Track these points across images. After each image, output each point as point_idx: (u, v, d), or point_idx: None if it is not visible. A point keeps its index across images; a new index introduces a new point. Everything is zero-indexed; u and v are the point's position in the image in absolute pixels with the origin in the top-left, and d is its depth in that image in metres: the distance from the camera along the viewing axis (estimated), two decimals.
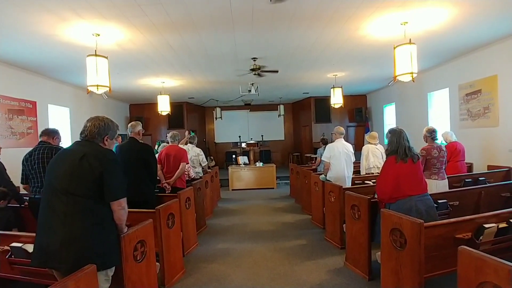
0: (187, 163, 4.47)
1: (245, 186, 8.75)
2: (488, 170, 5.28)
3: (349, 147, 4.70)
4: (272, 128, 13.38)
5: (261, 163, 9.02)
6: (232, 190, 8.72)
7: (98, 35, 4.42)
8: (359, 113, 11.31)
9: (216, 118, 11.70)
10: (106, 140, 2.02)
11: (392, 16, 4.26)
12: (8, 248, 2.42)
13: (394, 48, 4.62)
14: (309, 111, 11.92)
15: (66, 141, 7.13)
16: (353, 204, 3.23)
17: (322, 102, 11.58)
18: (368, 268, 3.04)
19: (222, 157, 13.22)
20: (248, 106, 12.48)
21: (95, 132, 1.96)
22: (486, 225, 2.34)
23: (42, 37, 4.41)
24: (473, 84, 6.35)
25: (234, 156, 9.65)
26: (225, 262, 3.64)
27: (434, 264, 2.27)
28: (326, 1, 3.74)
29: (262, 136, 12.21)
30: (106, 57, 4.51)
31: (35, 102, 6.28)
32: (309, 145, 12.00)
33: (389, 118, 10.25)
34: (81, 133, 1.99)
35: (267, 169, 8.89)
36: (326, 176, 4.69)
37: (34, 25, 4.01)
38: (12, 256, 2.40)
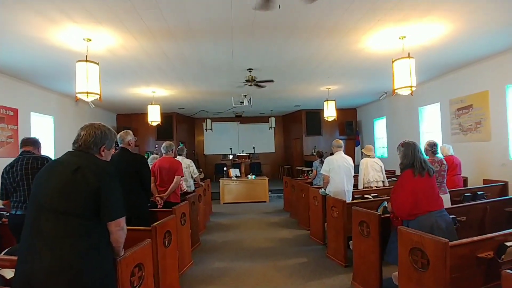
0: (182, 176, 4.22)
1: (237, 200, 8.49)
2: (484, 184, 5.28)
3: (349, 160, 4.59)
4: (263, 140, 13.25)
5: (254, 176, 8.81)
6: (224, 203, 8.43)
7: (90, 40, 4.19)
8: (349, 127, 11.37)
9: (206, 130, 11.47)
10: (103, 150, 1.79)
11: (390, 30, 4.27)
12: None
13: (393, 61, 4.62)
14: (300, 124, 11.89)
15: (49, 153, 6.71)
16: (362, 220, 3.07)
17: (313, 115, 11.59)
18: None
19: (211, 169, 12.91)
20: (239, 118, 12.34)
21: (90, 141, 1.73)
22: (508, 243, 2.22)
23: (28, 39, 4.14)
24: (464, 99, 6.46)
25: (225, 168, 9.40)
26: (224, 284, 3.37)
27: (456, 286, 2.12)
28: (328, 12, 3.70)
29: (254, 148, 12.03)
30: (97, 63, 4.28)
31: (17, 109, 5.90)
32: (300, 158, 11.91)
33: (380, 132, 10.33)
34: (74, 143, 1.76)
35: (260, 182, 8.68)
36: (325, 190, 4.54)
37: (20, 26, 3.75)
38: None
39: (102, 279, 1.56)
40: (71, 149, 1.77)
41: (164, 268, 2.78)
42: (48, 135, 7.05)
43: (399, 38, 4.51)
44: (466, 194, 4.51)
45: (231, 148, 11.95)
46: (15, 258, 1.64)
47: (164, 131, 10.80)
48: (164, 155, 4.23)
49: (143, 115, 10.80)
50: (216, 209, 7.72)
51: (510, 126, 5.40)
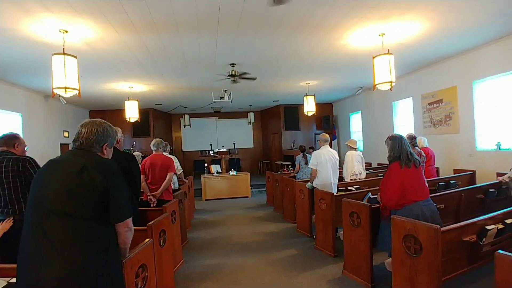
0: (175, 173, 4.12)
1: (219, 196, 8.45)
2: (454, 173, 5.66)
3: (335, 154, 4.73)
4: (241, 136, 13.24)
5: (235, 172, 8.80)
6: (206, 200, 8.36)
7: (66, 31, 3.96)
8: (326, 121, 11.66)
9: (184, 126, 11.25)
10: (105, 148, 1.72)
11: (371, 27, 4.43)
12: None
13: (373, 58, 4.80)
14: (278, 119, 12.01)
15: None
16: (352, 211, 3.20)
17: (292, 110, 11.76)
18: (371, 276, 3.01)
19: (190, 166, 12.72)
20: (217, 113, 12.23)
21: (92, 139, 1.65)
22: (488, 227, 2.43)
23: None
24: (435, 94, 6.86)
25: (206, 164, 9.30)
26: (219, 280, 3.38)
27: (445, 268, 2.29)
28: (315, 8, 3.76)
29: (234, 144, 12.00)
30: (75, 57, 4.05)
31: None
32: (279, 153, 12.06)
33: (356, 126, 10.70)
34: (74, 141, 1.67)
35: (241, 177, 8.69)
36: (312, 183, 4.65)
37: None
38: None
39: (113, 282, 1.51)
40: (71, 147, 1.68)
41: (161, 267, 2.72)
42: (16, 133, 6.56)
43: (379, 35, 4.69)
44: (440, 183, 4.82)
45: (211, 144, 11.83)
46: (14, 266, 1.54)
47: (140, 127, 10.46)
48: (154, 152, 4.11)
49: (118, 111, 10.39)
50: (199, 205, 7.65)
51: (476, 119, 5.82)
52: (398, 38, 4.88)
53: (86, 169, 1.51)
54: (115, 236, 1.58)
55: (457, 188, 4.51)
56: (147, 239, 2.13)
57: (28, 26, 3.79)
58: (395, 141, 2.85)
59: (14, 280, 1.94)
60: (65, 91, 3.95)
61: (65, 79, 3.91)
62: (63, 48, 3.94)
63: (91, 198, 1.48)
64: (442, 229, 2.19)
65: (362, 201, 3.68)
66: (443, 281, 2.23)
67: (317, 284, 3.17)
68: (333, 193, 3.96)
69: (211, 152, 11.72)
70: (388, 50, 4.67)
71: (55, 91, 3.99)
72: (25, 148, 2.78)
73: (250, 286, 3.22)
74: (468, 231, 2.43)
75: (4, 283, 1.92)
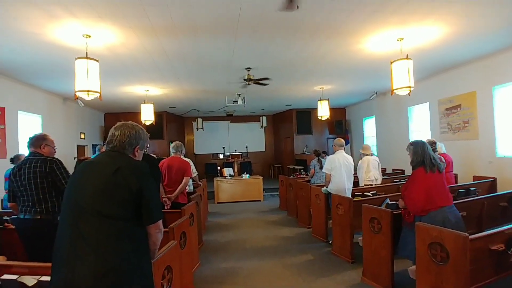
0: (191, 177, 4.16)
1: (231, 199, 8.46)
2: (474, 180, 5.53)
3: (350, 159, 4.69)
4: (253, 139, 13.27)
5: (248, 175, 8.81)
6: (218, 203, 8.38)
7: (89, 36, 4.06)
8: (339, 126, 11.58)
9: (197, 129, 11.35)
10: (137, 151, 1.75)
11: (390, 32, 4.40)
12: None
13: (391, 63, 4.76)
14: (290, 123, 11.99)
15: None
16: (373, 217, 3.16)
17: (304, 114, 11.74)
18: (392, 283, 2.95)
19: (201, 169, 12.77)
20: (230, 117, 12.29)
21: (125, 141, 1.68)
22: None
23: (24, 35, 3.96)
24: (452, 99, 6.75)
25: (218, 167, 9.34)
26: (236, 283, 3.37)
27: (472, 277, 2.23)
28: (335, 13, 3.76)
29: (246, 147, 12.04)
30: (97, 60, 4.15)
31: (4, 108, 5.62)
32: (291, 157, 12.02)
33: (369, 131, 10.59)
34: (108, 143, 1.70)
35: (254, 181, 8.69)
36: (327, 188, 4.62)
37: (17, 21, 3.59)
38: None
39: (144, 282, 1.53)
40: (104, 149, 1.72)
41: (181, 270, 2.74)
42: None
43: (397, 40, 4.65)
44: (460, 190, 4.71)
45: (223, 148, 11.89)
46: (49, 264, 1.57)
47: (154, 130, 10.55)
48: (172, 154, 4.16)
49: (132, 114, 10.56)
50: (212, 208, 7.67)
51: (497, 125, 5.69)
52: (416, 43, 4.83)
53: (120, 170, 1.54)
54: (147, 237, 1.60)
55: (477, 196, 4.40)
56: (172, 241, 2.15)
57: (53, 31, 3.90)
58: (417, 146, 2.81)
59: (43, 278, 1.99)
60: (87, 94, 4.05)
61: (88, 82, 4.01)
62: (86, 53, 4.05)
63: (125, 199, 1.50)
64: (472, 237, 2.14)
65: (380, 207, 3.63)
66: None
67: None
68: (351, 198, 3.92)
69: (220, 155, 11.78)
70: (407, 55, 4.63)
71: (78, 94, 4.09)
72: (54, 148, 2.83)
73: None
74: (496, 240, 2.37)
75: (34, 281, 1.96)
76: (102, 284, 1.38)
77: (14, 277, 1.96)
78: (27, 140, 2.82)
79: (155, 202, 1.60)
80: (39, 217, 2.53)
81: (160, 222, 1.63)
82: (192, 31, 4.15)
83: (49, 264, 2.10)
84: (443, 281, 2.23)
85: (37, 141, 2.77)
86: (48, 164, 2.62)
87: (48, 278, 1.95)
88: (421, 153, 2.76)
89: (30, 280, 1.95)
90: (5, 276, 1.97)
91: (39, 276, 1.97)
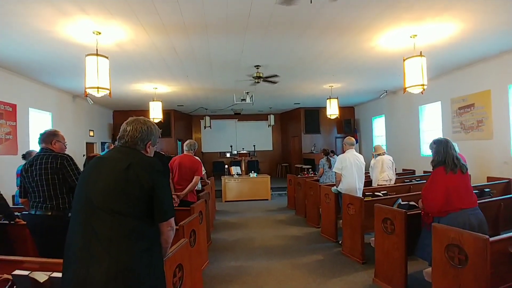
0: (201, 177, 4.14)
1: (239, 198, 8.44)
2: (488, 181, 5.39)
3: (361, 158, 4.61)
4: (260, 138, 13.23)
5: (255, 174, 8.77)
6: (225, 201, 8.37)
7: (99, 33, 4.06)
8: (348, 125, 11.46)
9: (205, 127, 11.35)
10: (149, 147, 1.72)
11: (403, 29, 4.30)
12: (9, 277, 1.99)
13: (404, 60, 4.66)
14: (298, 122, 11.91)
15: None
16: (386, 217, 3.08)
17: (312, 112, 11.64)
18: (405, 285, 2.88)
19: (209, 167, 12.80)
20: (237, 115, 12.27)
21: (137, 137, 1.65)
22: None
23: (35, 32, 3.98)
24: (466, 98, 6.59)
25: (226, 166, 9.33)
26: (246, 282, 3.34)
27: (492, 281, 2.15)
28: (347, 9, 3.69)
29: (254, 146, 12.01)
30: (107, 57, 4.16)
31: (15, 105, 5.68)
32: (298, 156, 11.94)
33: (378, 130, 10.45)
34: (119, 138, 1.67)
35: (261, 180, 8.65)
36: (337, 187, 4.55)
37: (29, 18, 3.60)
38: (14, 287, 1.98)
39: (156, 281, 1.50)
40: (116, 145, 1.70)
41: (191, 269, 2.71)
42: None
43: (411, 37, 4.55)
44: (474, 191, 4.59)
45: (231, 146, 11.88)
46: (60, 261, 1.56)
47: (162, 128, 10.51)
48: (185, 152, 4.15)
49: (140, 111, 10.53)
50: (219, 207, 7.66)
51: None
52: (430, 40, 4.71)
53: (132, 167, 1.51)
54: (158, 235, 1.57)
55: (492, 197, 4.28)
56: (182, 239, 2.12)
57: (64, 28, 3.91)
58: (440, 145, 2.72)
59: (55, 274, 1.98)
60: (97, 91, 4.05)
61: (98, 79, 4.01)
62: (96, 49, 4.05)
63: (137, 196, 1.47)
64: (492, 239, 2.06)
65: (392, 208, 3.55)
66: None
67: None
68: (362, 198, 3.84)
69: (227, 154, 11.78)
70: (421, 52, 4.52)
71: (88, 91, 4.10)
72: (65, 144, 2.82)
73: None
74: None
75: (46, 277, 1.95)
76: (115, 283, 1.36)
77: (25, 272, 1.95)
78: (38, 136, 2.82)
79: (168, 199, 1.57)
80: (50, 213, 2.53)
81: (172, 219, 1.60)
82: (202, 29, 4.12)
83: (60, 261, 2.09)
84: (461, 285, 2.16)
85: (48, 137, 2.76)
86: (59, 160, 2.62)
87: (59, 274, 1.94)
88: (443, 153, 2.67)
89: (41, 276, 1.94)
90: (17, 272, 1.97)
91: (50, 272, 1.96)
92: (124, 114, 10.87)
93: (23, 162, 4.37)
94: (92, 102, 8.09)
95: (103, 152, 5.64)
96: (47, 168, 2.57)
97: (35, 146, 5.43)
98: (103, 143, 9.57)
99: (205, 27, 4.08)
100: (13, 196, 4.76)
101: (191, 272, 2.71)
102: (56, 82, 6.61)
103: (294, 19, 3.92)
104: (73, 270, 1.41)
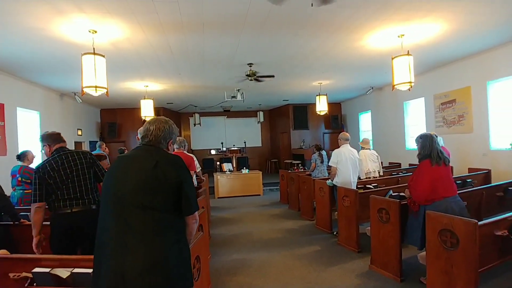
0: (196, 172, 4.20)
1: (231, 194, 8.55)
2: (469, 172, 5.75)
3: (355, 153, 4.82)
4: (250, 134, 13.35)
5: (247, 170, 8.90)
6: (218, 198, 8.46)
7: (95, 31, 4.05)
8: (335, 120, 11.74)
9: (194, 125, 11.35)
10: (170, 145, 1.81)
11: (392, 29, 4.51)
12: (28, 275, 2.04)
13: (392, 58, 4.89)
14: (287, 118, 12.09)
15: (36, 149, 6.34)
16: (381, 207, 3.29)
17: (301, 109, 11.85)
18: (400, 270, 3.10)
19: (199, 164, 12.81)
20: (227, 112, 12.32)
21: (160, 136, 1.74)
22: None
23: (28, 30, 3.93)
24: (448, 94, 6.95)
25: (218, 163, 9.40)
26: (249, 274, 3.47)
27: (480, 261, 2.38)
28: (341, 9, 3.85)
29: (244, 142, 12.11)
30: (104, 56, 4.15)
31: (3, 104, 5.54)
32: (287, 152, 12.15)
33: (365, 125, 10.79)
34: (143, 137, 1.75)
35: (253, 175, 8.79)
36: (332, 181, 4.74)
37: (22, 16, 3.55)
38: (35, 284, 2.02)
39: (185, 271, 1.60)
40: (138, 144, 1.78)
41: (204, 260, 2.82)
42: (34, 131, 6.66)
43: (398, 36, 4.77)
44: (457, 182, 4.91)
45: (222, 143, 11.94)
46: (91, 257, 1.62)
47: None
48: (176, 150, 4.20)
49: (129, 110, 10.52)
50: (213, 203, 7.74)
51: (490, 119, 5.91)
52: (416, 39, 4.96)
53: (159, 164, 1.60)
54: (185, 227, 1.67)
55: (473, 187, 4.60)
56: (199, 232, 2.22)
57: (59, 26, 3.88)
58: (426, 140, 2.95)
59: (76, 270, 2.03)
60: (95, 90, 4.05)
61: (95, 78, 4.01)
62: (93, 48, 4.03)
63: (166, 192, 1.57)
64: (480, 223, 2.29)
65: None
66: (479, 273, 2.32)
67: (347, 278, 3.27)
68: (357, 190, 4.05)
69: (213, 151, 11.87)
70: (408, 51, 4.76)
71: (85, 90, 4.08)
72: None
73: (281, 280, 3.31)
74: (501, 226, 2.52)
75: (68, 273, 2.01)
76: (149, 276, 1.44)
77: (46, 270, 2.01)
78: (44, 136, 2.70)
79: (192, 194, 1.67)
80: (94, 206, 2.52)
81: (197, 213, 1.70)
82: (199, 27, 4.18)
83: (79, 257, 2.17)
84: (453, 265, 2.38)
85: (60, 136, 2.75)
86: (89, 156, 2.67)
87: (81, 270, 2.01)
88: (429, 147, 2.90)
89: (63, 272, 2.00)
90: (36, 269, 2.02)
91: (72, 268, 2.02)
92: (111, 112, 10.73)
93: (14, 163, 4.31)
94: (81, 101, 7.94)
95: (96, 151, 5.58)
96: (83, 163, 2.57)
97: (23, 147, 5.33)
98: (91, 143, 9.42)
99: (202, 26, 4.14)
100: (8, 197, 4.66)
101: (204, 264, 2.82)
102: (44, 80, 6.46)
103: (290, 19, 4.04)
104: (108, 262, 1.49)
